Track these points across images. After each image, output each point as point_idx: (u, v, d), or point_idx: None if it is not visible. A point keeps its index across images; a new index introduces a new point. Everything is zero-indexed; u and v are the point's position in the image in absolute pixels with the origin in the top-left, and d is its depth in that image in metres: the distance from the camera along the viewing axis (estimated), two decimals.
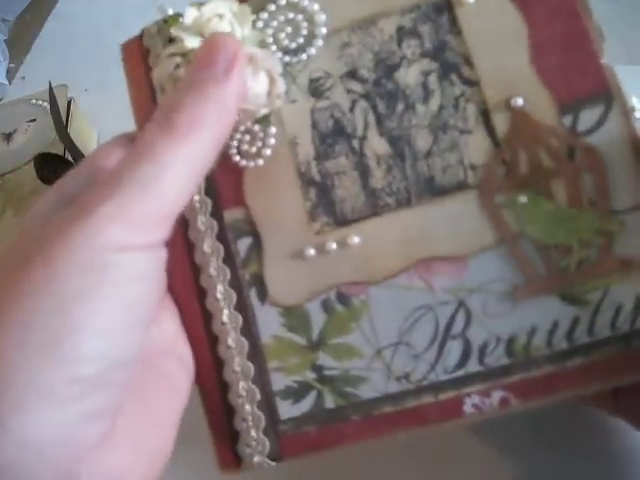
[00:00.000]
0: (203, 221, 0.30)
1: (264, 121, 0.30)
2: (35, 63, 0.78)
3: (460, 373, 0.28)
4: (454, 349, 0.28)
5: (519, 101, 0.28)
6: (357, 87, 0.30)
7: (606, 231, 0.27)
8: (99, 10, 0.79)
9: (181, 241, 0.31)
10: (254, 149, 0.30)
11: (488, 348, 0.28)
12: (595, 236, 0.27)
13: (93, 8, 0.80)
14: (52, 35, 0.80)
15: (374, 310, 0.29)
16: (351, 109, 0.30)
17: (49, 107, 0.56)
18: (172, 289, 0.30)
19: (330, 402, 0.29)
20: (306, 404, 0.29)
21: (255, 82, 0.29)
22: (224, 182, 0.30)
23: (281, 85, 0.29)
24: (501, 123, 0.28)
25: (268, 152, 0.30)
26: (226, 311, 0.30)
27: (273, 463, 0.29)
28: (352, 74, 0.30)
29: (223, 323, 0.30)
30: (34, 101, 0.62)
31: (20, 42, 0.81)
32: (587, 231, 0.27)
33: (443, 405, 0.28)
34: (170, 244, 0.30)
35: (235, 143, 0.30)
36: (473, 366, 0.28)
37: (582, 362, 0.27)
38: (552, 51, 0.28)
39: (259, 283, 0.30)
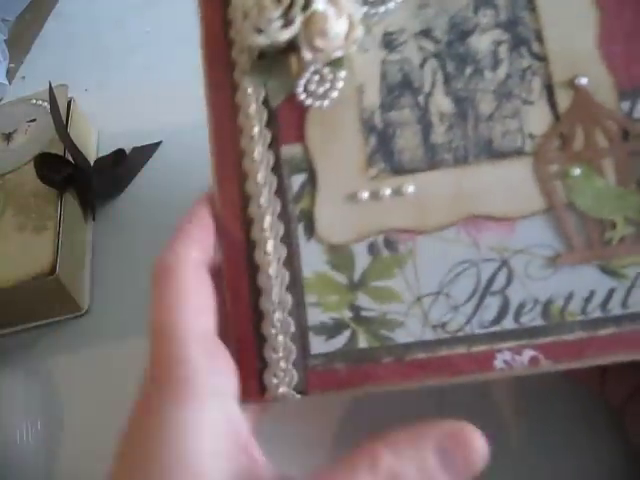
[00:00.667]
0: (260, 152, 0.31)
1: (337, 64, 0.31)
2: (35, 63, 0.78)
3: (495, 328, 0.29)
4: (492, 305, 0.29)
5: (583, 80, 0.29)
6: (429, 46, 0.31)
7: None
8: (99, 10, 0.80)
9: (235, 171, 0.31)
10: (321, 90, 0.31)
11: (525, 308, 0.29)
12: (639, 215, 0.29)
13: (93, 8, 0.80)
14: (52, 35, 0.80)
15: (419, 258, 0.30)
16: (421, 65, 0.31)
17: (49, 107, 0.55)
18: (217, 218, 0.31)
19: (363, 342, 0.30)
20: (339, 342, 0.30)
21: (336, 23, 0.30)
22: (286, 118, 0.31)
23: (359, 31, 0.30)
24: (563, 99, 0.30)
25: (335, 94, 0.31)
26: (271, 242, 0.30)
27: (299, 396, 0.29)
28: (426, 33, 0.31)
29: (267, 253, 0.30)
30: (34, 101, 0.61)
31: (20, 42, 0.80)
32: (632, 210, 0.29)
33: (475, 357, 0.29)
34: (222, 174, 0.30)
35: (303, 82, 0.31)
36: (508, 323, 0.29)
37: (613, 332, 0.28)
38: (618, 38, 0.30)
39: (308, 219, 0.30)
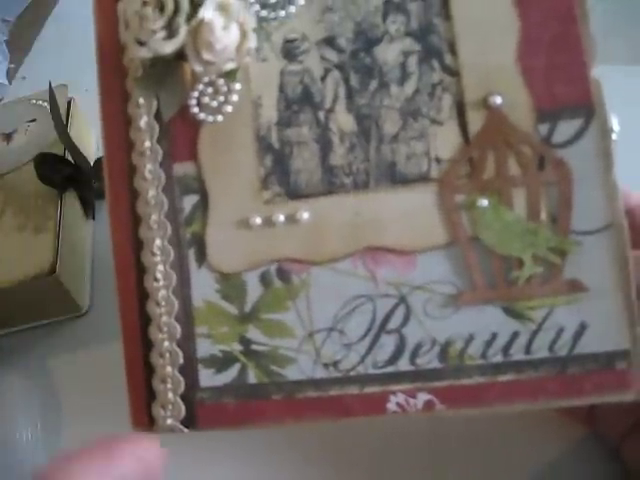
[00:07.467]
0: (151, 170, 0.29)
1: (230, 76, 0.28)
2: (35, 63, 0.75)
3: (389, 369, 0.27)
4: (387, 344, 0.27)
5: (497, 100, 0.27)
6: (332, 56, 0.28)
7: (561, 250, 0.26)
8: None
9: (126, 188, 0.29)
10: (215, 103, 0.28)
11: (422, 349, 0.27)
12: (549, 253, 0.26)
13: None
14: (52, 35, 0.76)
15: (313, 291, 0.28)
16: (323, 78, 0.28)
17: (49, 107, 0.54)
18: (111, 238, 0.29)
19: (253, 377, 0.28)
20: (228, 376, 0.28)
21: (225, 34, 0.27)
22: (179, 133, 0.29)
23: (252, 41, 0.27)
24: (475, 120, 0.27)
25: (229, 109, 0.28)
26: (161, 267, 0.28)
27: (186, 430, 0.28)
28: (329, 41, 0.28)
29: (156, 279, 0.29)
30: (34, 101, 0.60)
31: (20, 42, 0.78)
32: (542, 247, 0.26)
33: (367, 399, 0.27)
34: (113, 191, 0.28)
35: (196, 94, 0.28)
36: (404, 364, 0.27)
37: (513, 378, 0.26)
38: (540, 52, 0.27)
39: (199, 244, 0.29)
